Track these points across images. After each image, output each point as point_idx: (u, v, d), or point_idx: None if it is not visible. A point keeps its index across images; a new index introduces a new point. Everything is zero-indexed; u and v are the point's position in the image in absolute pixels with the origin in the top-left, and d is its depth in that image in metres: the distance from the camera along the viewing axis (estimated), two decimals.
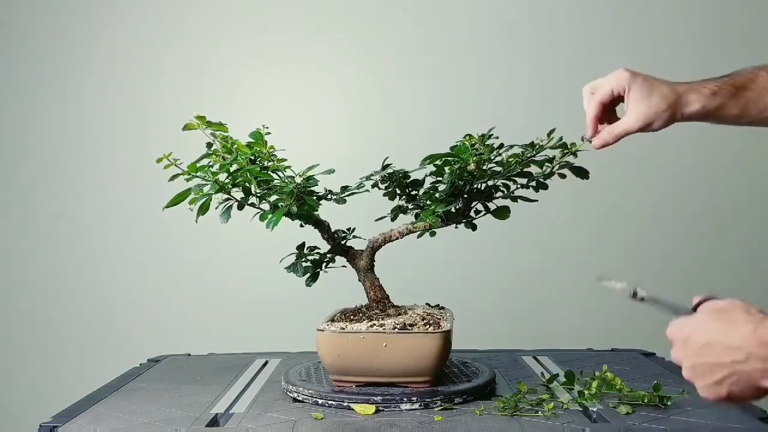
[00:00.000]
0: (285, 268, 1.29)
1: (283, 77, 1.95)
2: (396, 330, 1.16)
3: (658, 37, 1.94)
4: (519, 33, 1.94)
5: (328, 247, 1.30)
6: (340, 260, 1.32)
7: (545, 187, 1.25)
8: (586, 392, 1.17)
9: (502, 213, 1.28)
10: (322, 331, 1.18)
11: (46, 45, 1.95)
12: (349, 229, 1.31)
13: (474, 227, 1.27)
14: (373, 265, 1.27)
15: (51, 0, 1.95)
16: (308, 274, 1.29)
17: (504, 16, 1.94)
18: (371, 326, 1.18)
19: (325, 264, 1.31)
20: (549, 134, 1.19)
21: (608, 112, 1.12)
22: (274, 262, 1.92)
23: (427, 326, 1.17)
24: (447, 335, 1.16)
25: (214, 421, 1.10)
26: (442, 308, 1.31)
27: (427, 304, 1.33)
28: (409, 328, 1.16)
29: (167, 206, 1.19)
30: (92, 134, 1.95)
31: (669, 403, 1.13)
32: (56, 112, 1.95)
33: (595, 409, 1.11)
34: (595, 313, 1.92)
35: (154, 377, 1.43)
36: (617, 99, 1.09)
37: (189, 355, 1.66)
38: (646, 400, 1.13)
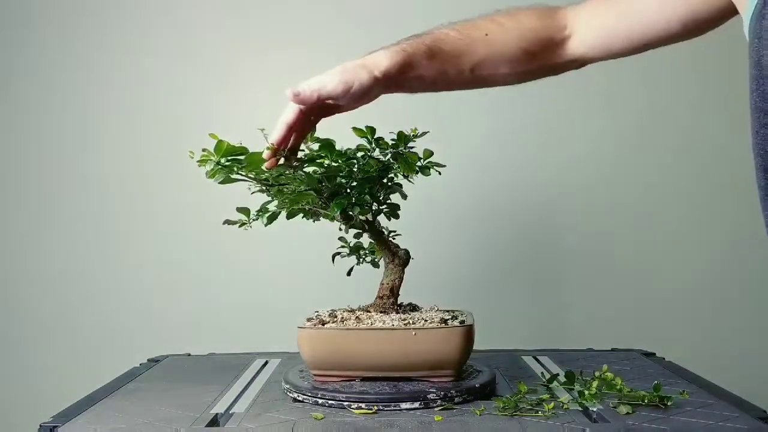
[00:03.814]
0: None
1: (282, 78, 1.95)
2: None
3: None
4: None
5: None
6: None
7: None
8: (586, 392, 1.17)
9: (393, 211, 1.31)
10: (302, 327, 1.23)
11: (52, 44, 1.95)
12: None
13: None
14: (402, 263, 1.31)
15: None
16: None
17: None
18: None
19: (362, 257, 1.38)
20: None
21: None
22: (274, 262, 1.94)
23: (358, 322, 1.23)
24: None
25: (214, 421, 1.10)
26: (453, 313, 1.31)
27: (448, 312, 1.33)
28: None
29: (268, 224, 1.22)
30: (92, 134, 1.95)
31: (669, 404, 1.13)
32: (59, 111, 1.95)
33: (595, 409, 1.11)
34: (595, 313, 1.92)
35: (154, 377, 1.43)
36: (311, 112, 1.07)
37: (189, 355, 1.66)
38: (646, 400, 1.13)
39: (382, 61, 1.04)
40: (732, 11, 1.00)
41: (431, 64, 1.07)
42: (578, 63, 1.16)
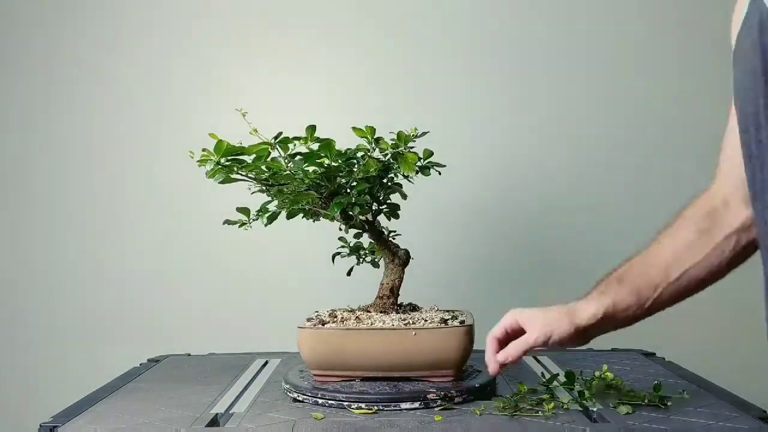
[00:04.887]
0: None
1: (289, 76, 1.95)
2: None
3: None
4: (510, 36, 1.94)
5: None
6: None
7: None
8: (586, 392, 1.17)
9: (393, 211, 1.32)
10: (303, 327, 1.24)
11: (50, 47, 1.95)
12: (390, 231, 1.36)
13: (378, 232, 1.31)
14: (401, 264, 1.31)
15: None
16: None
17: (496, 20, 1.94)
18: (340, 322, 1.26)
19: (362, 257, 1.40)
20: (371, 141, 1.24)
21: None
22: (274, 262, 1.93)
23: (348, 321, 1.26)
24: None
25: (214, 421, 1.10)
26: (453, 313, 1.31)
27: (448, 312, 1.33)
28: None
29: (267, 224, 1.24)
30: (92, 135, 1.94)
31: (669, 403, 1.13)
32: (61, 110, 1.95)
33: (595, 409, 1.11)
34: None
35: (154, 377, 1.43)
36: (513, 336, 1.11)
37: (189, 355, 1.66)
38: (646, 400, 1.13)
39: (584, 312, 1.07)
40: None
41: (624, 290, 1.07)
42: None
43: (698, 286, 1.10)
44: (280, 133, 1.18)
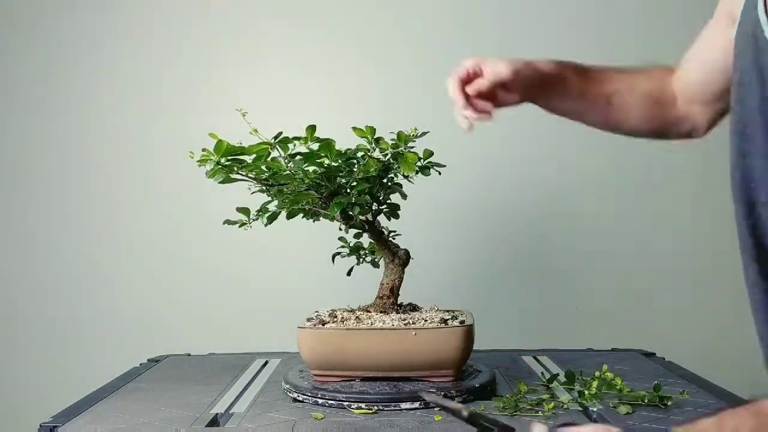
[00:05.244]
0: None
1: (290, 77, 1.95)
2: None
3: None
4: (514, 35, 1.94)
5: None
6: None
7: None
8: (586, 392, 1.17)
9: (392, 211, 1.32)
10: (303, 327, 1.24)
11: (50, 45, 1.95)
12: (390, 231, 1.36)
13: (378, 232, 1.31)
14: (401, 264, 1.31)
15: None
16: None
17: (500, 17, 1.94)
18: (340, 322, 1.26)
19: (362, 257, 1.40)
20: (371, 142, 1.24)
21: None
22: (274, 262, 1.93)
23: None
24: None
25: (214, 421, 1.10)
26: (453, 313, 1.30)
27: (448, 312, 1.32)
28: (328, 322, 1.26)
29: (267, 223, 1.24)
30: (91, 134, 1.94)
31: (669, 403, 1.13)
32: (59, 110, 1.94)
33: (595, 409, 1.11)
34: (595, 313, 1.92)
35: (154, 377, 1.43)
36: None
37: (189, 355, 1.66)
38: (646, 400, 1.13)
39: (541, 63, 1.15)
40: None
41: (578, 80, 1.16)
42: (689, 124, 1.21)
43: (618, 128, 1.22)
44: (280, 133, 1.18)
